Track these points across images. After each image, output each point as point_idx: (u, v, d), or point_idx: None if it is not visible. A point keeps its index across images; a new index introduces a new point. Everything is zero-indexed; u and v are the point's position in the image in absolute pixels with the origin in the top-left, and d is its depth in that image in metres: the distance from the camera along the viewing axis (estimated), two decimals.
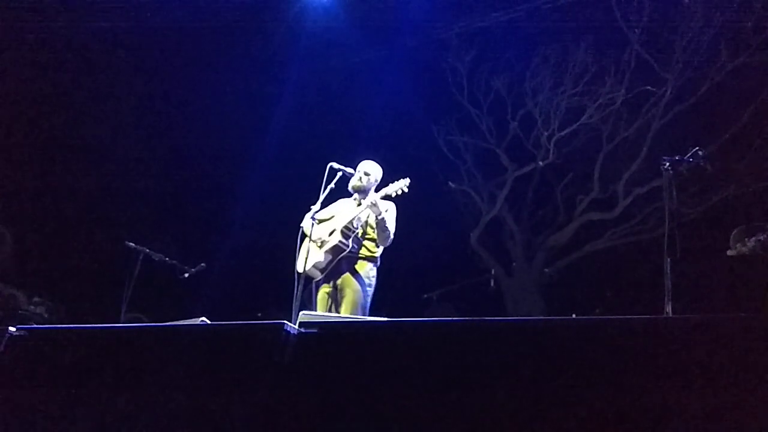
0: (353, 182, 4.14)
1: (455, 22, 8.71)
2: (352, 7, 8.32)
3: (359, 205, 4.13)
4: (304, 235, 4.00)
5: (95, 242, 8.16)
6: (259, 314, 7.58)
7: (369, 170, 4.21)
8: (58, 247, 8.02)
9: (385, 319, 2.94)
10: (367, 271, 4.02)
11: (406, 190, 3.93)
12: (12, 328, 2.70)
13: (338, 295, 3.96)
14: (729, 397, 1.73)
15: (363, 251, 4.05)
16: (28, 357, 2.64)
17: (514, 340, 2.05)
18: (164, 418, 2.24)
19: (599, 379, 1.87)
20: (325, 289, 4.01)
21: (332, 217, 4.19)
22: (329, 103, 9.27)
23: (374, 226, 4.01)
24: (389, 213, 4.04)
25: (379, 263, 4.12)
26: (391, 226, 4.03)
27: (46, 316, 6.59)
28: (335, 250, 3.93)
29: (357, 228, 4.00)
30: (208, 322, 2.83)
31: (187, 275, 5.71)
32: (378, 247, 4.10)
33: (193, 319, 2.97)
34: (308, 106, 9.21)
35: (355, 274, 3.97)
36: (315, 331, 2.27)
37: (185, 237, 8.41)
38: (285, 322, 2.26)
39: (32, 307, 6.52)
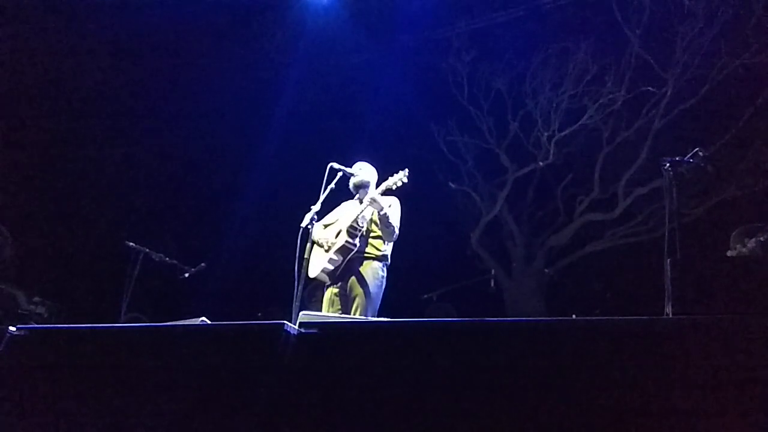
0: (353, 180, 4.16)
1: (455, 22, 8.72)
2: (352, 7, 8.33)
3: (362, 203, 4.13)
4: (304, 236, 3.90)
5: (95, 242, 8.16)
6: (260, 314, 7.58)
7: (363, 166, 4.28)
8: (58, 247, 8.03)
9: (385, 319, 2.94)
10: (377, 270, 3.97)
11: (405, 180, 3.87)
12: (12, 328, 2.70)
13: (348, 297, 3.92)
14: (729, 398, 1.73)
15: (371, 250, 4.02)
16: (28, 357, 2.64)
17: (514, 341, 2.05)
18: (164, 419, 2.24)
19: (599, 379, 1.86)
20: (333, 290, 3.97)
21: (337, 220, 4.17)
22: (329, 103, 9.27)
23: (378, 222, 3.98)
24: (393, 208, 4.01)
25: (389, 261, 4.08)
26: (395, 221, 3.99)
27: (46, 315, 6.60)
28: (343, 251, 3.89)
29: (362, 226, 3.97)
30: (208, 322, 2.83)
31: (187, 275, 5.72)
32: (386, 244, 4.06)
33: (193, 319, 2.96)
34: (308, 106, 9.21)
35: (364, 274, 3.92)
36: (315, 331, 2.27)
37: (185, 237, 8.42)
38: (285, 322, 2.25)
39: (32, 306, 6.53)
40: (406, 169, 3.92)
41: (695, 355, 1.81)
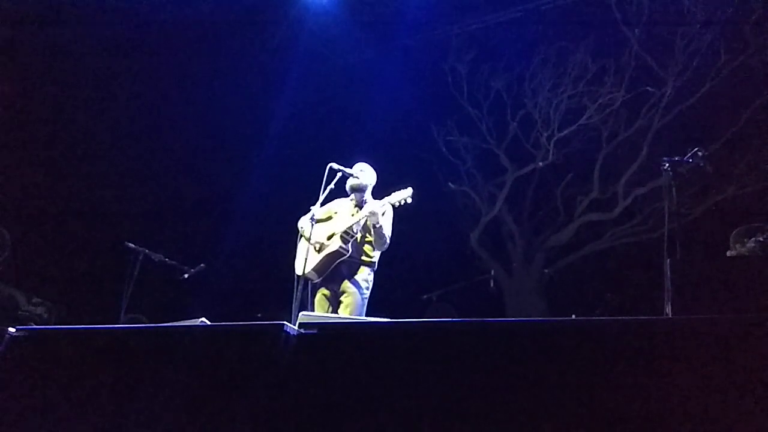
0: (351, 182, 4.16)
1: (455, 22, 8.72)
2: (352, 7, 8.32)
3: (356, 206, 4.15)
4: (301, 236, 4.02)
5: (95, 242, 8.16)
6: (259, 314, 7.58)
7: (364, 168, 4.28)
8: (58, 247, 8.02)
9: (385, 319, 2.94)
10: (365, 275, 4.04)
11: (409, 201, 3.96)
12: (12, 329, 2.70)
13: (336, 299, 3.99)
14: (729, 398, 1.73)
15: (362, 255, 4.07)
16: (28, 357, 2.64)
17: (514, 341, 2.05)
18: (164, 419, 2.24)
19: (599, 379, 1.86)
20: (323, 292, 4.03)
21: (329, 217, 4.19)
22: (329, 103, 9.27)
23: (372, 232, 4.03)
24: (386, 217, 4.05)
25: (376, 267, 4.14)
26: (388, 231, 4.05)
27: (45, 316, 6.60)
28: (335, 254, 3.94)
29: (356, 233, 4.01)
30: (208, 322, 2.83)
31: (186, 275, 5.72)
32: (375, 251, 4.12)
33: (193, 320, 2.96)
34: (308, 106, 9.21)
35: (353, 278, 3.99)
36: (314, 331, 2.27)
37: (185, 237, 8.41)
38: (285, 322, 2.25)
39: (32, 307, 6.52)
40: (410, 189, 3.98)
41: (695, 355, 1.81)
